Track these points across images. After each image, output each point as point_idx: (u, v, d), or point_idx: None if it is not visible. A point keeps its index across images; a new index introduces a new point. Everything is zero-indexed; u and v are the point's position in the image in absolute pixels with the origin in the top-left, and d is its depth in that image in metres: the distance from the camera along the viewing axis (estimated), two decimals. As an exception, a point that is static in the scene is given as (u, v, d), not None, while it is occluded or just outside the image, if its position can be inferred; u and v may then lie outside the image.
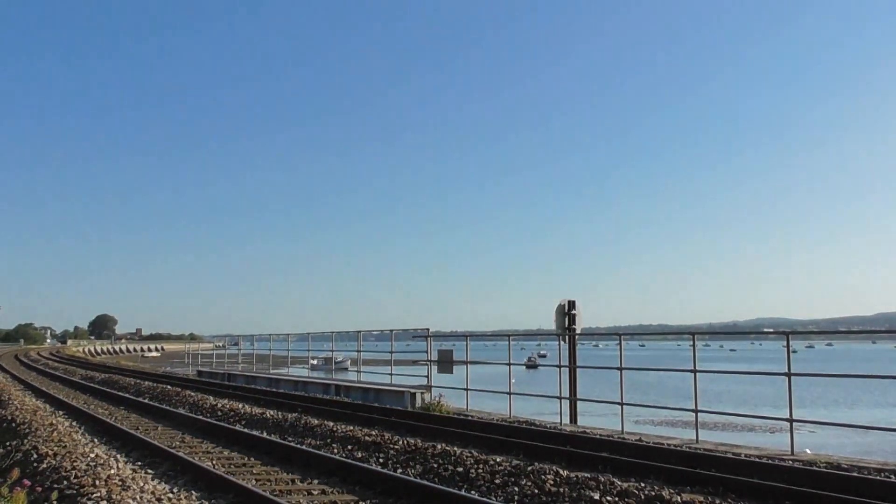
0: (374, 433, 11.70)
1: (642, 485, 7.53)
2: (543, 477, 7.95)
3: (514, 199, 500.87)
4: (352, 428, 12.42)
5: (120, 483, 7.42)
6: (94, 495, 6.88)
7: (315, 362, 41.33)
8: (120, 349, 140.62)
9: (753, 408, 31.25)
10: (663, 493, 7.09)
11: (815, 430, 21.45)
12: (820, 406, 33.93)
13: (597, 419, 17.56)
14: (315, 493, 7.97)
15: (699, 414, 12.24)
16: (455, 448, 10.01)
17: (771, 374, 15.05)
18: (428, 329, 19.51)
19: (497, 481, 8.11)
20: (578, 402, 15.47)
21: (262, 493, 7.37)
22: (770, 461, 8.96)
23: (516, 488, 7.76)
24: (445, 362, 18.76)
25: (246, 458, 10.17)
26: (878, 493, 7.12)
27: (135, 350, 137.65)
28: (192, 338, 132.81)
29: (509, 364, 16.09)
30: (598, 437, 11.30)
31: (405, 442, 10.69)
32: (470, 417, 14.31)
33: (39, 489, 6.73)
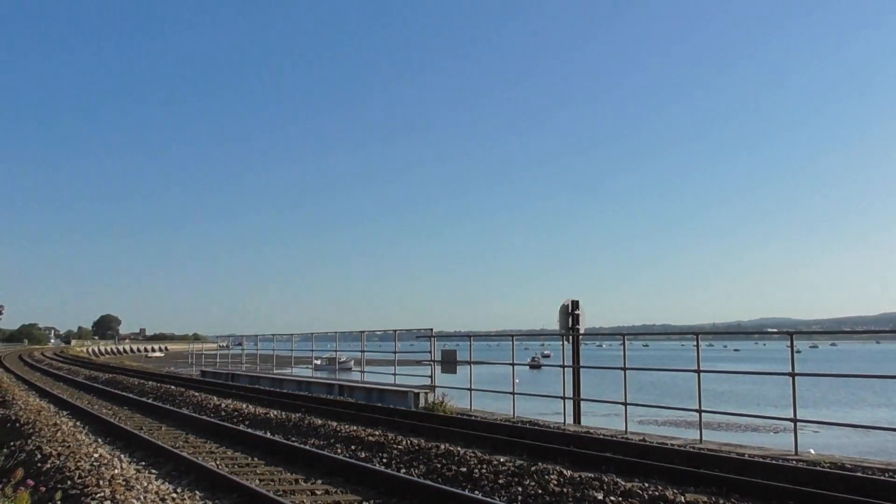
0: (377, 433, 11.70)
1: (646, 485, 7.52)
2: (547, 477, 7.94)
3: (518, 200, 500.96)
4: (355, 428, 12.43)
5: (124, 483, 7.43)
6: (98, 495, 6.89)
7: (319, 362, 41.30)
8: (124, 349, 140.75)
9: (757, 408, 31.22)
10: (667, 494, 7.08)
11: (818, 430, 21.42)
12: (823, 406, 33.86)
13: (600, 419, 17.56)
14: (319, 493, 7.97)
15: (703, 414, 12.21)
16: (459, 448, 9.99)
17: (775, 374, 15.01)
18: (431, 329, 19.52)
19: (501, 481, 8.11)
20: (582, 402, 15.45)
21: (266, 493, 7.38)
22: (774, 461, 8.95)
23: (520, 488, 7.75)
24: (449, 362, 18.76)
25: (249, 458, 10.18)
26: (882, 494, 7.10)
27: (138, 350, 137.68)
28: (196, 338, 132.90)
29: (513, 364, 16.08)
30: (601, 437, 11.29)
31: (409, 442, 10.68)
32: (473, 417, 14.30)
33: (43, 489, 6.75)
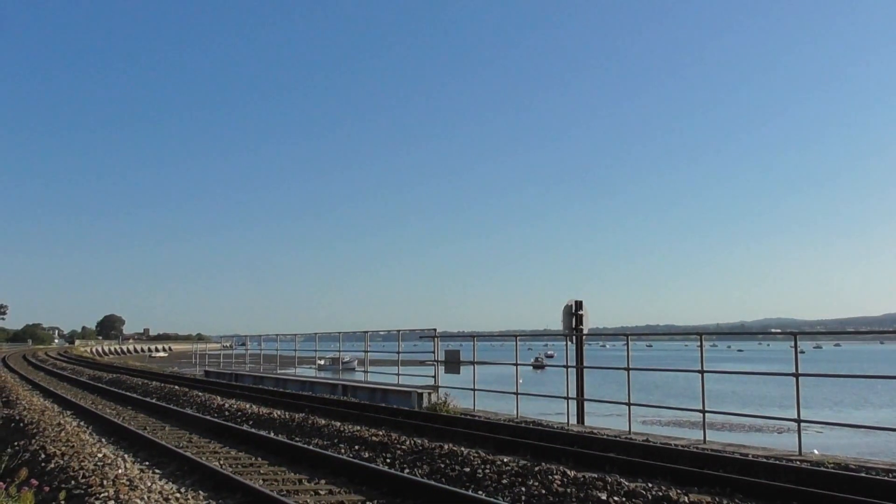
0: (381, 433, 11.70)
1: (650, 485, 7.52)
2: (551, 477, 7.93)
3: (521, 200, 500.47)
4: (359, 428, 12.43)
5: (127, 483, 7.43)
6: (102, 495, 6.89)
7: (322, 362, 41.34)
8: (127, 349, 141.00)
9: (761, 408, 31.15)
10: (671, 494, 7.07)
11: (822, 430, 21.39)
12: (827, 407, 33.79)
13: (604, 419, 17.52)
14: (322, 493, 7.97)
15: (706, 414, 12.20)
16: (462, 448, 9.99)
17: (778, 375, 14.99)
18: (435, 329, 19.51)
19: (504, 481, 8.10)
20: (585, 403, 15.44)
21: (270, 493, 7.38)
22: (778, 462, 8.93)
23: (523, 489, 7.75)
24: (452, 363, 18.74)
25: (253, 458, 10.19)
26: (886, 494, 7.08)
27: (142, 350, 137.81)
28: (200, 338, 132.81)
29: (516, 364, 16.07)
30: (605, 437, 11.28)
31: (412, 442, 10.69)
32: (477, 417, 14.29)
33: (47, 489, 6.75)
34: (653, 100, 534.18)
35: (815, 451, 11.08)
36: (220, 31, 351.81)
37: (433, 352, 18.91)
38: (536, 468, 8.33)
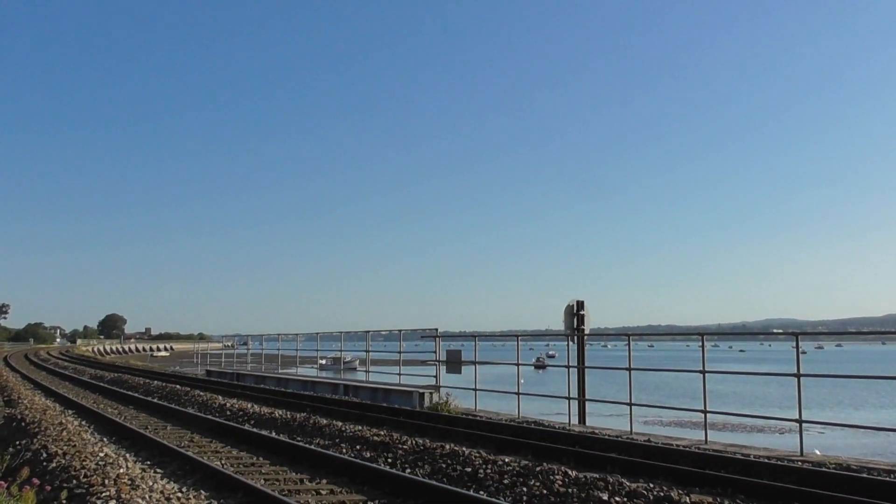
0: (382, 433, 11.71)
1: (651, 485, 7.51)
2: (552, 477, 7.93)
3: (522, 200, 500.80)
4: (360, 428, 12.44)
5: (129, 482, 7.43)
6: (104, 494, 6.90)
7: (324, 362, 41.38)
8: (129, 349, 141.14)
9: (762, 408, 31.16)
10: (672, 494, 7.07)
11: (824, 430, 21.38)
12: (829, 407, 33.78)
13: (605, 419, 17.51)
14: (324, 492, 7.98)
15: (708, 415, 12.20)
16: (463, 448, 9.99)
17: (780, 375, 14.99)
18: (437, 329, 19.51)
19: (506, 482, 8.10)
20: (587, 403, 15.43)
21: (271, 492, 7.39)
22: (779, 462, 8.92)
23: (525, 489, 7.75)
24: (454, 362, 18.74)
25: (255, 458, 10.19)
26: (888, 495, 7.08)
27: (144, 349, 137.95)
28: (202, 337, 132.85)
29: (518, 364, 16.06)
30: (606, 437, 11.27)
31: (414, 442, 10.69)
32: (478, 417, 14.29)
33: (49, 488, 6.77)
34: (653, 100, 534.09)
35: (817, 452, 11.08)
36: (220, 31, 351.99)
37: (435, 352, 18.92)
38: (538, 468, 8.33)
